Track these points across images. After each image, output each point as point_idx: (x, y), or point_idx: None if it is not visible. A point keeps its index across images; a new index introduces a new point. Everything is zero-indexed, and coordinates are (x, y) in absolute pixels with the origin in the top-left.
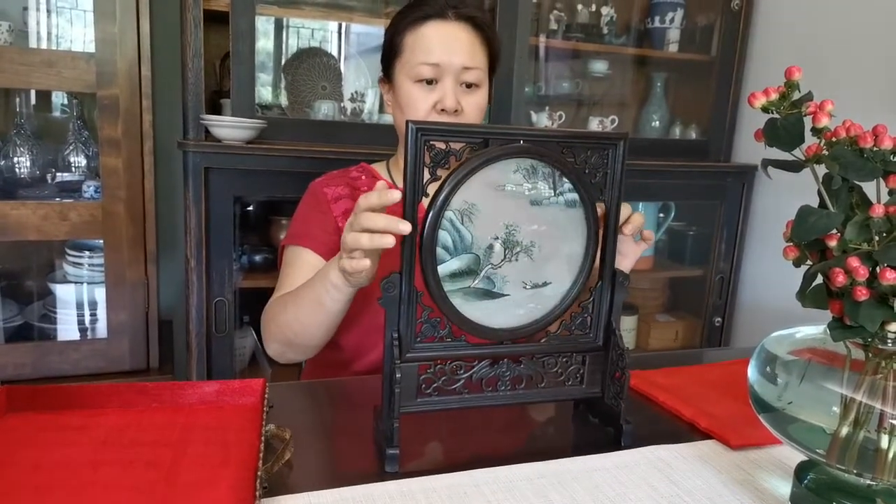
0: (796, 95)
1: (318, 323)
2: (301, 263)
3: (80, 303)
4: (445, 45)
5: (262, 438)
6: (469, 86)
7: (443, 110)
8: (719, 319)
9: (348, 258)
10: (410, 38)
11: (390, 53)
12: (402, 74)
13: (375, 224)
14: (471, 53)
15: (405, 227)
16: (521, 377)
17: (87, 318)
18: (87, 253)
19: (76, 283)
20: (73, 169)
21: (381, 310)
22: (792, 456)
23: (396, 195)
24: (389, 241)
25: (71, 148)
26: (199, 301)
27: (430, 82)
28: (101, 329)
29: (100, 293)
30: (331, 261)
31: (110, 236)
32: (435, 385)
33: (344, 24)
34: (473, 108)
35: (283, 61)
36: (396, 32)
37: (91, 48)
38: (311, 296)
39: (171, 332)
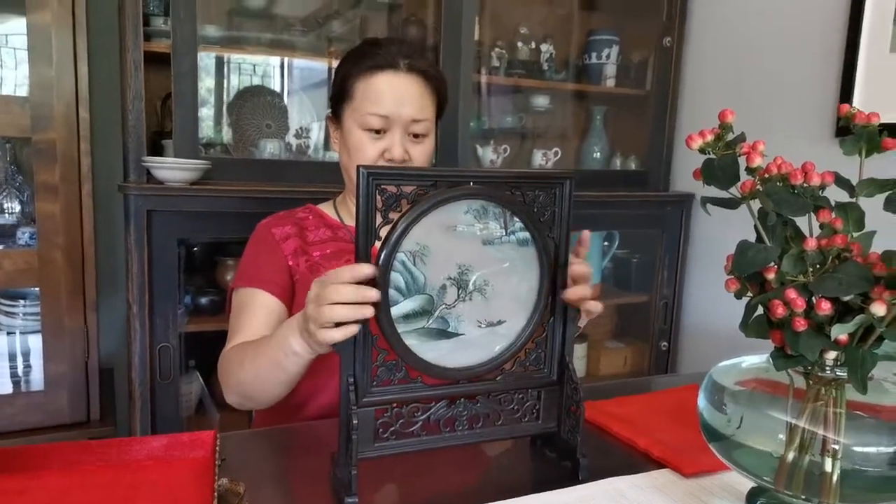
0: (730, 136)
1: (279, 382)
2: (256, 306)
3: (13, 354)
4: (395, 97)
5: (215, 494)
6: (416, 136)
7: (390, 160)
8: (665, 344)
9: (320, 329)
10: (362, 85)
11: (340, 96)
12: (352, 120)
13: (346, 297)
14: (420, 106)
15: (373, 295)
16: (479, 416)
17: (21, 370)
18: (21, 301)
19: (9, 333)
20: (7, 215)
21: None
22: (743, 481)
23: (367, 269)
24: (369, 312)
25: (3, 193)
26: (142, 348)
27: (378, 132)
28: (38, 381)
29: (35, 343)
30: (287, 326)
31: (47, 284)
32: (392, 429)
33: (287, 60)
34: (421, 156)
35: (225, 97)
36: (347, 77)
37: (23, 90)
38: (269, 359)
39: (112, 380)
